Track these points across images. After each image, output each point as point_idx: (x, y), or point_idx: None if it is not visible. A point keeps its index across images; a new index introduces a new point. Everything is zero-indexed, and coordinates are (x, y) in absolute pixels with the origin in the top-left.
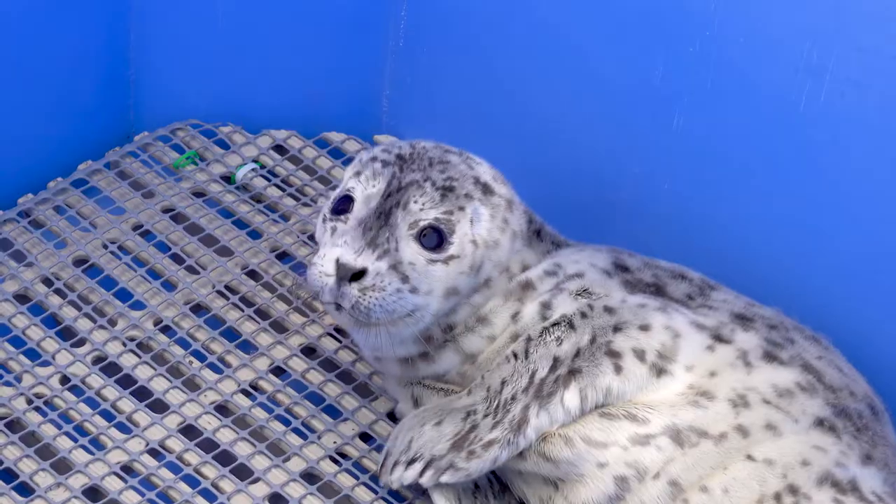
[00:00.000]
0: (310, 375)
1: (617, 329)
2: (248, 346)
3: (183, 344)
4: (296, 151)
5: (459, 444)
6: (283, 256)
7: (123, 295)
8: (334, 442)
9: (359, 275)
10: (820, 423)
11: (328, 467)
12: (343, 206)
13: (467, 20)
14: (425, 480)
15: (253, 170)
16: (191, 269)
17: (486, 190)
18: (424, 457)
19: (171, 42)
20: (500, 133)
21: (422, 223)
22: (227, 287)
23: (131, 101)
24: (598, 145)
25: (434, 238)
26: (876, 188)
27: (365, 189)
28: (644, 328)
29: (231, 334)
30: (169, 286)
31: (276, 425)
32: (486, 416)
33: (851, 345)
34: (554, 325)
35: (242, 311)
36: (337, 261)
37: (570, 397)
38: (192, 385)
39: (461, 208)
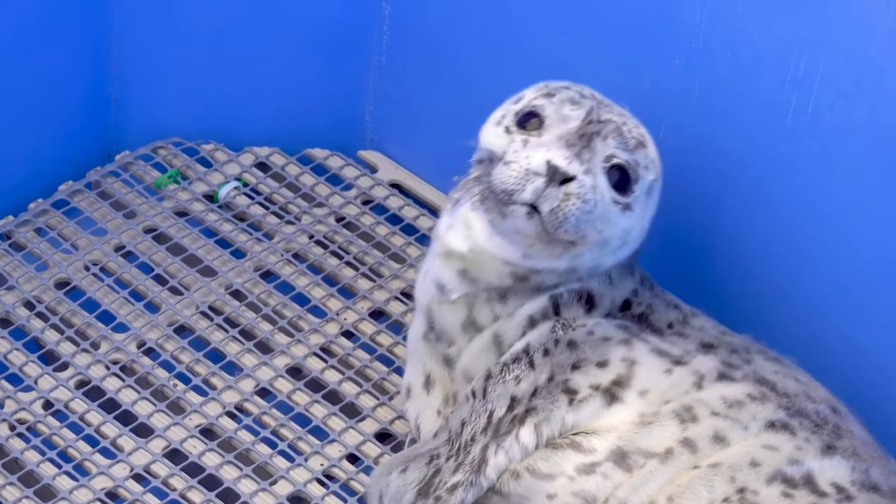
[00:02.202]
0: (296, 396)
1: (575, 367)
2: (232, 368)
3: (167, 366)
4: (279, 168)
5: (425, 492)
6: (267, 275)
7: (106, 317)
8: (321, 464)
9: (564, 182)
10: (771, 425)
11: (316, 490)
12: (526, 120)
13: (450, 35)
14: None
15: (236, 188)
16: (174, 290)
17: (659, 179)
18: None
19: (153, 60)
20: None
21: (615, 160)
22: (211, 307)
23: (112, 120)
24: None
25: (617, 178)
26: (865, 199)
27: (560, 110)
28: (602, 364)
29: (216, 356)
30: (152, 308)
31: (263, 448)
32: (448, 458)
33: (839, 353)
34: (515, 360)
35: (227, 331)
36: (548, 162)
37: (526, 434)
38: (176, 408)
39: (646, 168)
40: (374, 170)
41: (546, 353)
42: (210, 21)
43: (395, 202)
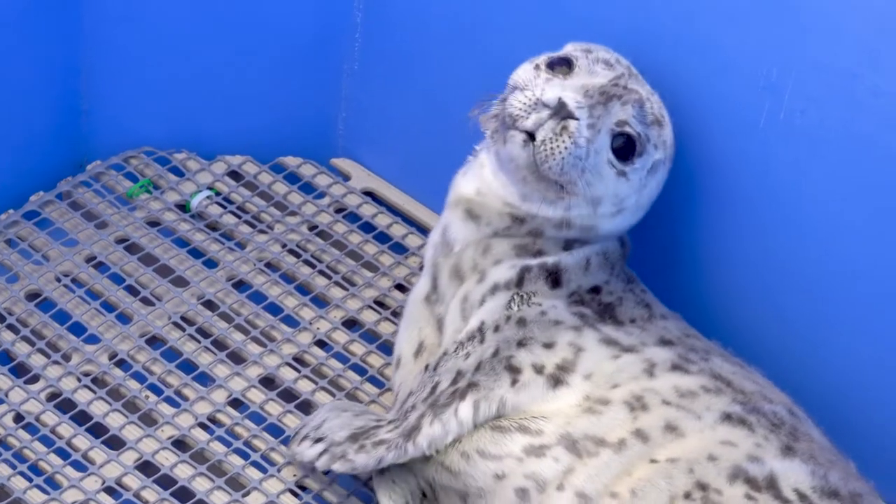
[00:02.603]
0: (269, 407)
1: (521, 344)
2: (205, 378)
3: (139, 378)
4: (251, 177)
5: (356, 437)
6: (239, 285)
7: (78, 329)
8: (294, 475)
9: (566, 120)
10: (727, 417)
11: (289, 501)
12: (558, 64)
13: (422, 42)
14: (320, 464)
15: (208, 197)
16: (146, 301)
17: (668, 161)
18: (326, 440)
19: (123, 69)
20: (457, 154)
21: (626, 128)
22: (183, 318)
23: (83, 130)
24: None
25: (622, 144)
26: (837, 206)
27: (592, 65)
28: (548, 346)
29: (188, 366)
30: (124, 319)
31: (235, 459)
32: (390, 421)
33: (805, 358)
34: (469, 338)
35: (199, 342)
36: (559, 99)
37: (464, 409)
38: (148, 420)
39: (656, 147)
40: (346, 178)
41: (496, 329)
42: (181, 30)
43: (368, 210)
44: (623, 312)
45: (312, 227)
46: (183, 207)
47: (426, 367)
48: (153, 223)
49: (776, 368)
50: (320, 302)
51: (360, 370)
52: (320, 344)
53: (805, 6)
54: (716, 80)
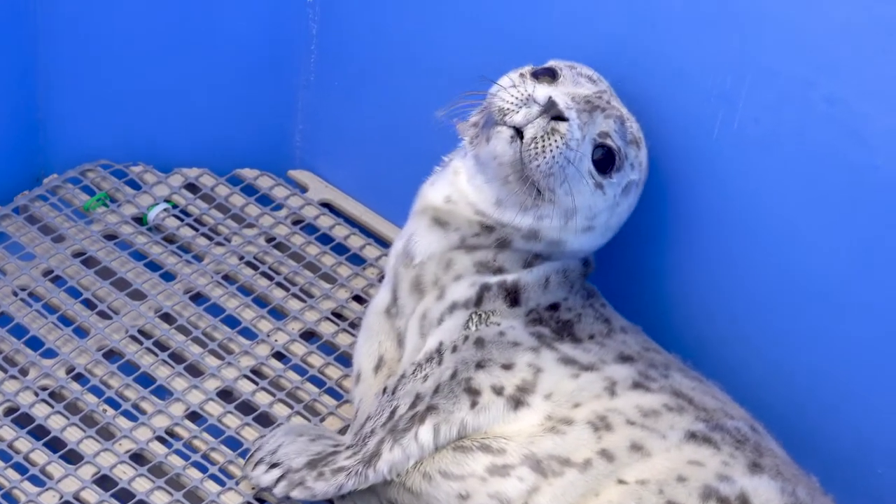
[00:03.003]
0: (227, 420)
1: (480, 366)
2: (162, 392)
3: (96, 392)
4: (208, 189)
5: (314, 464)
6: (197, 298)
7: (35, 343)
8: (252, 488)
9: (556, 120)
10: (692, 436)
11: None
12: (542, 75)
13: (378, 53)
14: (277, 491)
15: (165, 209)
16: (103, 315)
17: (640, 186)
18: (283, 465)
19: (79, 82)
20: (415, 165)
21: (608, 140)
22: (140, 331)
23: (39, 143)
24: None
25: (603, 156)
26: (791, 214)
27: (576, 79)
28: (507, 367)
29: (145, 380)
30: (81, 332)
31: (193, 472)
32: (349, 447)
33: (762, 372)
34: (427, 360)
35: (156, 355)
36: (549, 97)
37: (424, 433)
38: (106, 434)
39: (632, 166)
40: (304, 189)
41: (454, 349)
42: (137, 43)
43: (325, 221)
44: (582, 329)
45: (270, 239)
46: (140, 220)
47: (384, 390)
48: (110, 236)
49: (732, 383)
50: (278, 314)
51: (318, 382)
52: (278, 356)
53: (759, 14)
54: (667, 90)
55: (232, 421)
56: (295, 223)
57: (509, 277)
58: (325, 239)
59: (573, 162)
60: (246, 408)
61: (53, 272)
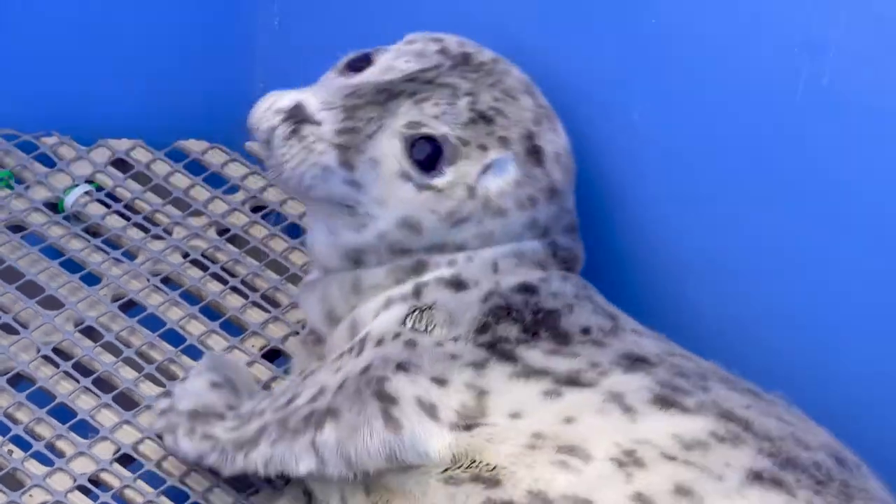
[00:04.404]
0: (168, 465)
1: (401, 367)
2: (85, 428)
3: (0, 429)
4: (143, 167)
5: (195, 415)
6: (129, 307)
7: None
8: None
9: (301, 124)
10: (756, 477)
11: None
12: (358, 64)
13: None
14: (156, 426)
15: (87, 193)
16: (8, 329)
17: (534, 154)
18: (172, 399)
19: None
20: None
21: (424, 129)
22: (56, 350)
23: None
24: None
25: (426, 153)
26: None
27: (392, 60)
28: (439, 381)
29: (63, 412)
30: None
31: None
32: (237, 416)
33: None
34: (350, 349)
35: (77, 381)
36: (298, 104)
37: (323, 444)
38: (12, 482)
39: (483, 147)
40: (266, 166)
41: (379, 342)
42: None
43: (294, 208)
44: (572, 322)
45: (223, 231)
46: (55, 207)
47: (301, 373)
48: (16, 227)
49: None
50: (234, 328)
51: None
52: None
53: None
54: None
55: (174, 466)
56: (255, 210)
57: (444, 273)
58: (293, 230)
59: (331, 168)
60: None
61: None
